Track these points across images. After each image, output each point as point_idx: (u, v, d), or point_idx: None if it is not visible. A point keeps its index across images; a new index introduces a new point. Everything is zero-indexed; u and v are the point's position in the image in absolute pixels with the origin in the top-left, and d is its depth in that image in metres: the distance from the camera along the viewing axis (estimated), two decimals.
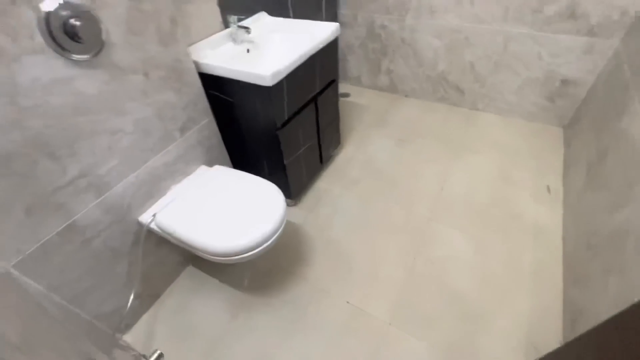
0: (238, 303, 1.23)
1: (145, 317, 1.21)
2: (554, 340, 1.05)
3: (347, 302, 1.20)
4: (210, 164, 1.27)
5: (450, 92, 2.10)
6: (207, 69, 1.12)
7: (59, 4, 0.69)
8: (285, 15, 1.59)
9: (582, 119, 1.62)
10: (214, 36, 1.26)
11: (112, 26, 0.81)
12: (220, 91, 1.19)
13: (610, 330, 0.55)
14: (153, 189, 1.08)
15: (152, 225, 1.03)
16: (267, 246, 0.96)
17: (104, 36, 0.79)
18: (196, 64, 1.11)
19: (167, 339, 1.15)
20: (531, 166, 1.67)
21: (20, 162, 0.73)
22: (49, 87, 0.73)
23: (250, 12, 1.41)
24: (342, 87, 2.38)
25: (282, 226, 1.00)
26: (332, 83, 1.49)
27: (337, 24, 1.33)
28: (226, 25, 1.31)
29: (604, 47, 1.54)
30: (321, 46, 1.26)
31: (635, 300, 0.57)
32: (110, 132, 0.89)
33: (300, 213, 1.54)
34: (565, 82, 1.73)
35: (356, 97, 2.31)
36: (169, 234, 1.00)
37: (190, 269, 1.35)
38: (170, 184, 1.15)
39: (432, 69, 2.06)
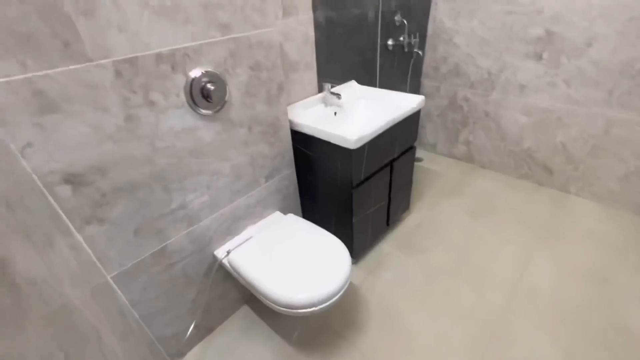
0: (284, 356, 1.19)
1: (196, 349, 1.24)
2: None
3: None
4: (284, 210, 1.35)
5: (536, 170, 1.95)
6: (299, 127, 1.25)
7: (202, 72, 0.87)
8: (372, 83, 1.73)
9: None
10: (308, 99, 1.42)
11: (235, 90, 0.98)
12: (306, 147, 1.30)
13: None
14: (232, 227, 1.18)
15: (225, 261, 1.11)
16: (326, 306, 0.95)
17: (227, 97, 0.96)
18: (290, 121, 1.24)
19: None
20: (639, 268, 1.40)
21: (143, 190, 0.87)
22: (178, 134, 0.89)
23: (342, 79, 1.56)
24: (416, 152, 2.39)
25: (345, 289, 0.98)
26: (410, 149, 1.52)
27: (423, 97, 1.39)
28: (320, 89, 1.47)
29: None
30: (405, 116, 1.31)
31: None
32: (211, 173, 1.03)
33: (360, 273, 1.50)
34: None
35: (429, 163, 2.29)
36: (237, 273, 1.06)
37: (246, 308, 1.38)
38: (247, 224, 1.24)
39: (516, 145, 1.97)
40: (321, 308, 0.94)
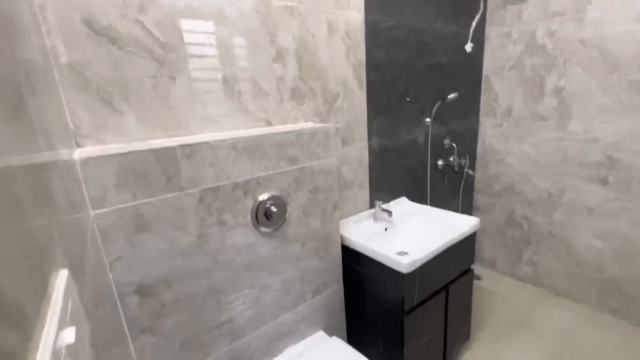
0: None
1: None
2: None
3: None
4: (328, 330, 1.27)
5: (629, 307, 1.64)
6: (349, 242, 1.27)
7: (268, 196, 0.98)
8: (423, 199, 1.76)
9: None
10: (359, 214, 1.47)
11: (294, 209, 1.07)
12: (355, 263, 1.28)
13: None
14: (273, 345, 1.12)
15: None
16: None
17: (286, 216, 1.05)
18: (341, 237, 1.28)
19: None
20: None
21: (197, 302, 0.91)
22: (239, 249, 0.96)
23: (393, 195, 1.63)
24: (474, 269, 2.20)
25: None
26: (468, 272, 1.41)
27: (478, 219, 1.36)
28: (371, 205, 1.53)
29: None
30: (459, 239, 1.28)
31: None
32: (261, 287, 1.05)
33: None
34: None
35: (490, 282, 2.07)
36: None
37: None
38: (288, 343, 1.17)
39: (595, 272, 1.72)
40: None
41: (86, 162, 0.69)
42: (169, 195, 0.80)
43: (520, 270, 2.05)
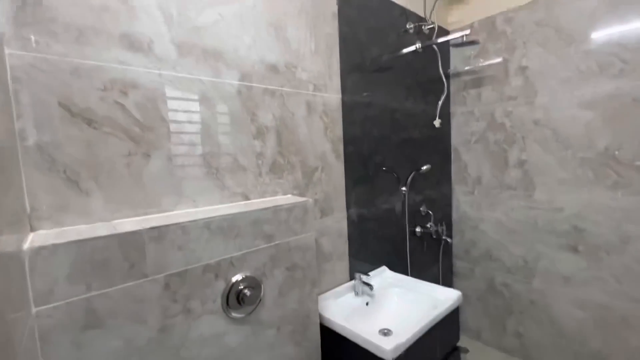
0: None
1: None
2: None
3: None
4: None
5: None
6: (329, 323, 1.18)
7: (242, 277, 0.92)
8: (403, 267, 1.73)
9: None
10: (339, 287, 1.40)
11: (269, 290, 0.99)
12: (336, 347, 1.18)
13: None
14: None
15: None
16: None
17: (261, 297, 0.97)
18: (320, 316, 1.19)
19: None
20: None
21: None
22: (206, 341, 0.86)
23: (373, 265, 1.58)
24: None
25: None
26: (455, 351, 1.33)
27: (460, 293, 1.33)
28: (351, 277, 1.47)
29: None
30: (443, 315, 1.22)
31: None
32: None
33: None
34: None
35: (477, 356, 1.96)
36: None
37: None
38: None
39: (580, 345, 1.68)
40: None
41: (37, 252, 0.62)
42: (130, 283, 0.72)
43: (507, 342, 1.97)
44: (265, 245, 0.98)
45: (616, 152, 1.49)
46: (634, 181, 1.46)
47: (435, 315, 1.19)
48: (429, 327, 1.15)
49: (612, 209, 1.53)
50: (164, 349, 0.78)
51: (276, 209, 1.00)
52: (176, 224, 0.79)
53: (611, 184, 1.52)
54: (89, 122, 0.78)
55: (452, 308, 1.28)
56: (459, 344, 2.06)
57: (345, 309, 1.27)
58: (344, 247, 1.44)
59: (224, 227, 0.88)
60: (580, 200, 1.61)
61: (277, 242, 1.01)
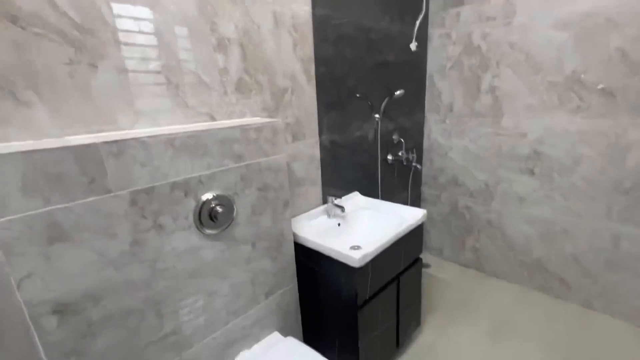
0: None
1: None
2: None
3: None
4: (283, 331, 1.24)
5: (553, 283, 1.85)
6: (302, 240, 1.25)
7: (213, 196, 0.92)
8: (375, 193, 1.80)
9: None
10: (312, 210, 1.46)
11: (242, 209, 1.01)
12: (309, 260, 1.27)
13: None
14: (223, 354, 1.06)
15: None
16: None
17: (234, 215, 0.99)
18: (294, 234, 1.25)
19: None
20: None
21: (134, 317, 0.82)
22: (181, 255, 0.89)
23: (346, 190, 1.64)
24: (422, 257, 2.32)
25: None
26: (417, 261, 1.47)
27: (425, 211, 1.43)
28: (324, 201, 1.53)
29: None
30: (408, 230, 1.32)
31: None
32: (208, 293, 0.98)
33: None
34: None
35: (437, 269, 2.20)
36: None
37: None
38: (240, 349, 1.12)
39: (525, 255, 1.91)
40: None
41: None
42: (92, 198, 0.70)
43: (464, 257, 2.21)
44: (235, 165, 0.97)
45: (582, 76, 1.53)
46: (593, 104, 1.53)
47: (400, 231, 1.28)
48: (394, 240, 1.25)
49: (570, 132, 1.61)
50: (139, 262, 0.80)
51: (244, 128, 0.97)
52: (135, 138, 0.75)
53: (573, 107, 1.58)
54: (14, 20, 0.67)
55: (417, 224, 1.38)
56: (424, 261, 2.30)
57: (318, 230, 1.34)
58: (316, 172, 1.46)
59: (190, 145, 0.85)
60: (543, 125, 1.68)
61: (247, 163, 1.00)
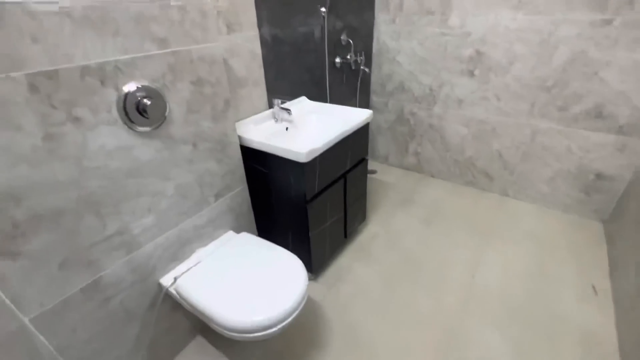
0: None
1: None
2: None
3: None
4: (237, 230, 1.29)
5: (479, 177, 2.11)
6: (249, 142, 1.22)
7: (137, 87, 0.82)
8: (323, 99, 1.77)
9: (624, 214, 1.54)
10: (258, 115, 1.40)
11: (176, 105, 0.93)
12: (257, 162, 1.27)
13: None
14: (179, 252, 1.10)
15: (172, 289, 1.02)
16: (283, 327, 0.90)
17: (167, 113, 0.91)
18: (240, 137, 1.21)
19: None
20: (571, 262, 1.55)
21: (69, 218, 0.78)
22: (111, 153, 0.82)
23: (292, 96, 1.58)
24: (370, 165, 2.46)
25: (302, 306, 0.95)
26: (362, 161, 1.55)
27: (371, 111, 1.44)
28: (270, 106, 1.47)
29: (637, 145, 1.54)
30: (354, 129, 1.35)
31: None
32: (152, 194, 0.95)
33: (320, 289, 1.47)
34: (600, 176, 1.70)
35: (383, 174, 2.37)
36: (186, 301, 0.97)
37: (199, 340, 1.27)
38: (197, 247, 1.16)
39: (459, 154, 2.11)
40: (279, 329, 0.90)
41: None
42: None
43: (407, 161, 2.38)
44: (160, 52, 0.85)
45: None
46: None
47: (347, 129, 1.30)
48: (340, 138, 1.28)
49: (510, 30, 1.65)
50: (59, 159, 0.72)
51: (164, 4, 0.82)
52: (16, 2, 0.60)
53: (516, 2, 1.58)
54: None
55: (363, 124, 1.41)
56: (371, 167, 2.44)
57: (265, 133, 1.31)
58: (259, 71, 1.36)
59: (93, 19, 0.70)
60: (487, 23, 1.69)
61: (174, 49, 0.88)
